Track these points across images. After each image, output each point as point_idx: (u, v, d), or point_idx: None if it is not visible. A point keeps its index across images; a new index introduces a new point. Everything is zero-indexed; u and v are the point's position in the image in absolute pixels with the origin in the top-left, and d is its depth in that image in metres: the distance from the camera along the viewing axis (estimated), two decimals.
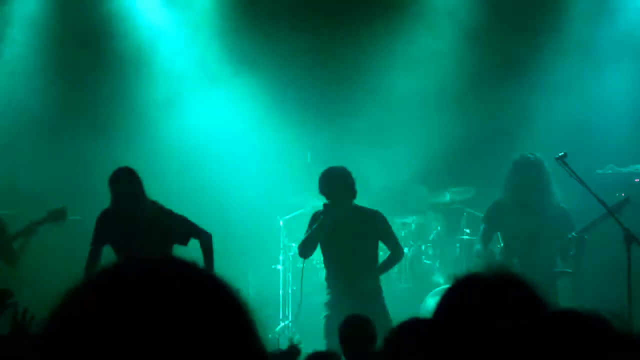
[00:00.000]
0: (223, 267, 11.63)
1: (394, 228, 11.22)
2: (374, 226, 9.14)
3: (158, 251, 8.27)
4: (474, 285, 2.60)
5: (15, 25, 12.36)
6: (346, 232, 9.03)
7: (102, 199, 11.72)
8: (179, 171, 12.30)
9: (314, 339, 9.09)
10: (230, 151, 12.47)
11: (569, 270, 9.33)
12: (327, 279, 9.27)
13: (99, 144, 12.07)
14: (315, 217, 9.22)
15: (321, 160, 11.71)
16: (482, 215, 9.95)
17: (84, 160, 12.05)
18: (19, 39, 12.36)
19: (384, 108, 12.21)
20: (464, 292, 2.59)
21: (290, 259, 12.02)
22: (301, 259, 11.51)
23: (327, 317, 9.07)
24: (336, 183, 9.07)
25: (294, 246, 11.67)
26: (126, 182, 8.59)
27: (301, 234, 11.63)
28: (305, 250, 9.36)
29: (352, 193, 9.08)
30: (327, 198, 9.11)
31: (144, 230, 8.50)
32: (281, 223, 12.07)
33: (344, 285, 9.03)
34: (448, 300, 2.60)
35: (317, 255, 11.51)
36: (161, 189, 11.75)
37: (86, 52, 12.40)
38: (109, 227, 8.62)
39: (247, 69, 12.52)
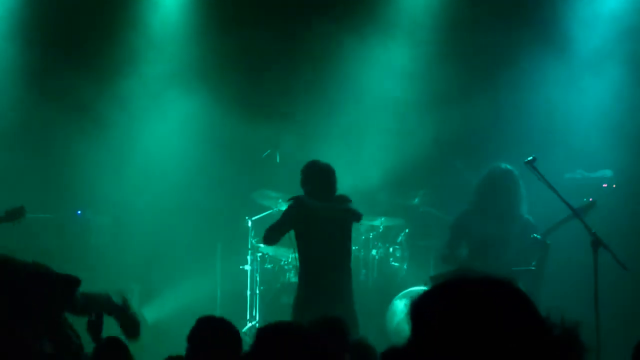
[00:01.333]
0: (192, 266, 11.98)
1: (362, 229, 11.28)
2: (349, 225, 9.02)
3: None
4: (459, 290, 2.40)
5: None
6: (325, 229, 8.87)
7: (75, 196, 11.87)
8: (146, 172, 12.29)
9: None
10: (197, 152, 12.47)
11: (532, 268, 9.30)
12: (301, 276, 9.10)
13: (73, 143, 12.08)
14: (292, 206, 8.99)
15: (290, 161, 11.94)
16: (451, 221, 9.94)
17: (60, 158, 12.09)
18: None
19: (353, 111, 12.24)
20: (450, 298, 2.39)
21: (259, 259, 11.99)
22: (269, 259, 11.88)
23: (296, 314, 8.90)
24: (320, 177, 8.99)
25: (262, 247, 11.77)
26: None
27: None
28: (270, 235, 9.08)
29: (334, 190, 9.00)
30: (308, 191, 8.98)
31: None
32: (250, 224, 12.03)
33: (318, 283, 8.89)
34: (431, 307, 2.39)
35: (285, 256, 11.66)
36: (129, 190, 12.18)
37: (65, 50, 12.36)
38: None
39: (216, 70, 12.53)
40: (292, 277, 11.43)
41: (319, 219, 8.83)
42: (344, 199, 8.95)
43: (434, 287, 2.37)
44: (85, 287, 6.67)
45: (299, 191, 10.12)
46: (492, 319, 2.26)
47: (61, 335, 5.77)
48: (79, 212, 12.25)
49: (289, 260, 11.55)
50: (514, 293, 2.33)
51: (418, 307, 2.36)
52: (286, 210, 9.05)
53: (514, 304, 2.31)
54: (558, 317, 2.37)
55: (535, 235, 9.36)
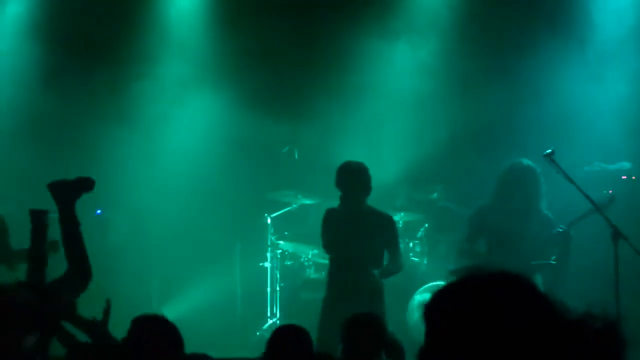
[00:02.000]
0: (212, 264, 12.14)
1: None
2: (384, 229, 9.13)
3: None
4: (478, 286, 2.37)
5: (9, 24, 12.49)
6: (356, 228, 8.99)
7: (96, 196, 11.89)
8: (166, 171, 12.37)
9: None
10: (217, 150, 12.49)
11: (552, 262, 9.31)
12: (330, 273, 9.18)
13: (99, 141, 12.20)
14: (328, 214, 9.18)
15: (308, 158, 12.18)
16: (469, 215, 9.96)
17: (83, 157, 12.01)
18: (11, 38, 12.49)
19: (370, 107, 12.26)
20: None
21: (278, 256, 12.03)
22: (289, 256, 11.97)
23: (324, 312, 9.01)
24: (352, 178, 9.02)
25: (282, 244, 11.93)
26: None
27: (289, 231, 12.05)
28: (328, 249, 9.34)
29: (367, 190, 9.05)
30: (342, 192, 9.08)
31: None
32: (269, 221, 12.09)
33: (347, 281, 8.97)
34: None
35: (305, 253, 11.67)
36: (149, 189, 12.26)
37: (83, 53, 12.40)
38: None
39: (236, 70, 12.56)
40: (313, 274, 11.54)
41: (346, 229, 8.94)
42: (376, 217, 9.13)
43: (444, 286, 2.36)
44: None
45: (317, 188, 10.16)
46: (500, 316, 2.23)
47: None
48: (99, 211, 12.27)
49: (309, 257, 11.61)
50: (526, 288, 2.30)
51: (428, 308, 2.35)
52: (322, 223, 9.17)
53: (524, 300, 2.28)
54: (599, 310, 2.34)
55: (560, 226, 9.33)
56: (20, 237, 9.51)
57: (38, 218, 6.63)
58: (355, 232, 9.00)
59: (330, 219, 9.13)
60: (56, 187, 6.73)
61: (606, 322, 2.30)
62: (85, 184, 6.71)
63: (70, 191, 6.70)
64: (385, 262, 9.19)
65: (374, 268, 9.04)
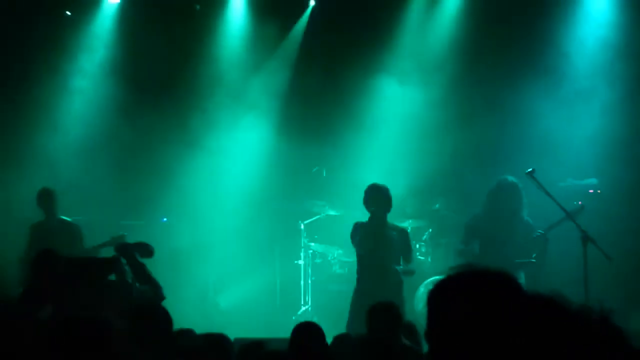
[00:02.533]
0: (256, 262, 12.40)
1: None
2: (401, 239, 9.13)
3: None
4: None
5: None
6: (381, 237, 8.99)
7: (162, 206, 11.96)
8: (224, 186, 12.34)
9: (329, 320, 9.20)
10: (261, 170, 12.44)
11: (533, 261, 9.27)
12: (360, 271, 9.16)
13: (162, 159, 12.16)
14: (356, 227, 9.15)
15: (334, 175, 12.14)
16: (465, 222, 9.90)
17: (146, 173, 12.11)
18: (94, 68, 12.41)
19: (384, 133, 12.09)
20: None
21: (310, 255, 11.97)
22: (318, 255, 11.96)
23: (355, 302, 8.99)
24: (379, 197, 8.99)
25: (313, 245, 11.91)
26: None
27: (319, 235, 12.10)
28: (356, 249, 9.33)
29: (389, 208, 9.06)
30: (368, 207, 9.04)
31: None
32: (302, 226, 12.05)
33: (374, 279, 8.97)
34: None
35: (331, 252, 11.74)
36: (210, 200, 12.27)
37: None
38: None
39: (275, 105, 12.55)
40: (338, 270, 11.58)
41: (374, 239, 8.98)
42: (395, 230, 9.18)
43: (443, 278, 2.40)
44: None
45: (341, 201, 10.26)
46: (487, 302, 2.28)
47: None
48: (165, 219, 12.25)
49: (335, 256, 11.64)
50: (507, 281, 2.34)
51: (431, 295, 2.40)
52: (351, 232, 9.16)
53: (506, 289, 2.31)
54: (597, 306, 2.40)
55: (539, 231, 9.32)
56: (90, 241, 10.00)
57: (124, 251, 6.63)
58: (381, 241, 8.97)
59: (360, 230, 9.10)
60: (121, 248, 6.75)
61: (603, 314, 2.35)
62: (144, 248, 6.70)
63: (132, 250, 6.70)
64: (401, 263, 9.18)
65: (395, 267, 9.00)
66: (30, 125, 11.98)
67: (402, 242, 9.14)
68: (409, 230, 11.20)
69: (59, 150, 11.98)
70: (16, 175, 11.38)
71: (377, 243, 8.97)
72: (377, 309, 6.09)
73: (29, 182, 10.88)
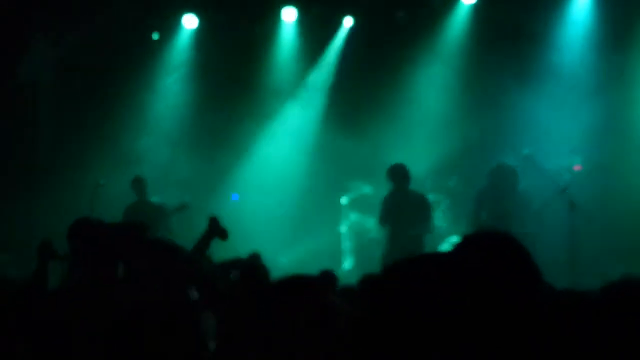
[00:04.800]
0: (310, 230, 12.62)
1: None
2: (419, 205, 9.90)
3: None
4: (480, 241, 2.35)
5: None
6: (402, 207, 9.76)
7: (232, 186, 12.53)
8: (280, 169, 12.76)
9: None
10: (311, 151, 12.93)
11: (529, 231, 9.28)
12: (386, 237, 9.99)
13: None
14: (385, 200, 9.95)
15: (369, 159, 12.25)
16: (473, 196, 10.36)
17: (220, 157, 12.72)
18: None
19: (409, 120, 12.29)
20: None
21: (350, 224, 12.41)
22: (357, 225, 12.46)
23: (384, 259, 9.70)
24: (397, 174, 9.85)
25: (352, 215, 12.48)
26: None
27: (357, 207, 12.48)
28: (380, 220, 10.18)
29: (407, 181, 9.89)
30: (392, 183, 9.82)
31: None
32: (345, 201, 12.58)
33: (395, 242, 9.76)
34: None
35: (369, 222, 12.06)
36: (271, 180, 12.79)
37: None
38: None
39: (322, 94, 13.06)
40: (374, 235, 11.77)
41: (397, 207, 9.90)
42: (418, 203, 9.84)
43: (459, 242, 2.37)
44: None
45: (379, 180, 10.80)
46: (494, 255, 2.24)
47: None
48: (235, 196, 12.89)
49: (370, 224, 11.98)
50: (510, 239, 2.30)
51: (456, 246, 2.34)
52: (381, 205, 10.12)
53: (507, 245, 2.28)
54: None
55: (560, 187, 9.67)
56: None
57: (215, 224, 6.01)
58: (403, 208, 9.83)
59: (386, 201, 10.07)
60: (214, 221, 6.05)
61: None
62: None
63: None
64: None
65: (417, 230, 9.75)
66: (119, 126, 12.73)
67: (422, 206, 9.85)
68: (432, 201, 11.47)
69: (146, 145, 12.76)
70: (112, 169, 11.95)
71: (399, 210, 9.73)
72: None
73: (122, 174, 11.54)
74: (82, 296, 4.50)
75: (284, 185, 12.68)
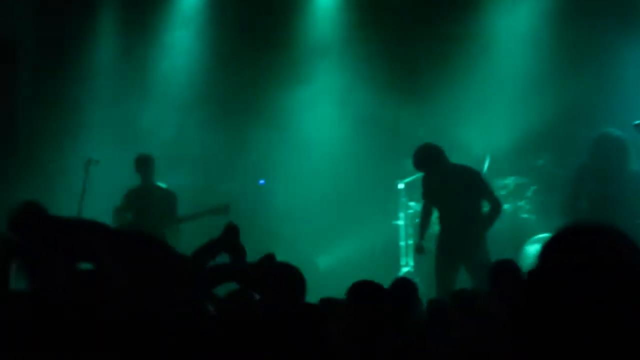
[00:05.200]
0: (355, 223, 12.06)
1: (496, 187, 11.00)
2: (470, 178, 9.10)
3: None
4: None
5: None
6: (446, 191, 9.07)
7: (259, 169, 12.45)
8: (322, 148, 12.38)
9: (432, 280, 9.15)
10: (365, 133, 12.44)
11: None
12: (440, 228, 9.47)
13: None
14: (423, 180, 9.44)
15: (433, 136, 11.52)
16: (570, 177, 9.64)
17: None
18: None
19: (483, 88, 11.86)
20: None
21: (409, 216, 11.89)
22: (417, 215, 11.37)
23: (437, 257, 9.23)
24: (422, 159, 9.17)
25: (412, 204, 11.82)
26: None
27: (418, 194, 11.42)
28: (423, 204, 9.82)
29: (443, 160, 9.11)
30: (426, 172, 9.30)
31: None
32: (401, 186, 11.97)
33: (448, 232, 9.17)
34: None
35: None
36: (307, 162, 12.31)
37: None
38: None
39: (376, 64, 12.38)
40: (437, 230, 11.21)
41: (442, 192, 9.14)
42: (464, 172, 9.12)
43: (554, 235, 2.34)
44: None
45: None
46: (599, 257, 2.20)
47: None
48: (262, 181, 12.47)
49: (436, 214, 11.07)
50: (621, 237, 2.25)
51: (543, 249, 2.33)
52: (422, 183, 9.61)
53: (619, 246, 2.22)
54: None
55: None
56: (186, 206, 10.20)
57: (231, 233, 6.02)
58: (448, 189, 9.02)
59: (425, 181, 9.44)
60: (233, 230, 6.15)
61: None
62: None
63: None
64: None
65: (469, 213, 8.98)
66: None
67: (472, 181, 9.08)
68: (511, 188, 11.29)
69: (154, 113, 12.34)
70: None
71: (444, 192, 9.08)
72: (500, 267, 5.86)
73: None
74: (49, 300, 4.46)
75: (324, 168, 12.23)
